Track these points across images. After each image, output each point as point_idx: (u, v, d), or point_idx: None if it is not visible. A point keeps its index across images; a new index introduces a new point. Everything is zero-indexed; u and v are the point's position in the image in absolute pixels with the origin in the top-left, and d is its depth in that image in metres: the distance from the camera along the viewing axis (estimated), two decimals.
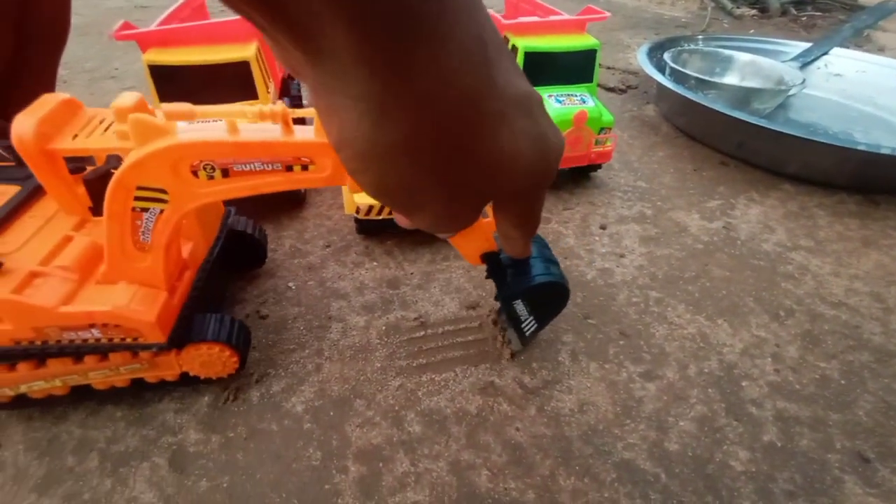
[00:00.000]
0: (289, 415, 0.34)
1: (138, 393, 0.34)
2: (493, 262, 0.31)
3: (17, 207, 0.31)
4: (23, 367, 0.30)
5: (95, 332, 0.29)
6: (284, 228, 0.51)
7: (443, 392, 0.35)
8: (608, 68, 0.96)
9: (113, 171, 0.25)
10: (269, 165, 0.25)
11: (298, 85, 0.63)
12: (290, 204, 0.54)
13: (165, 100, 0.45)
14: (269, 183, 0.25)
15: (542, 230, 0.52)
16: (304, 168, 0.25)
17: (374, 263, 0.47)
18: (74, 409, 0.33)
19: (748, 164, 0.65)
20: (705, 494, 0.30)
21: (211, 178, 0.25)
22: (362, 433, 0.33)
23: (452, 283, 0.45)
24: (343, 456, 0.31)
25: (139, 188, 0.25)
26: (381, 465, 0.31)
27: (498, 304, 0.36)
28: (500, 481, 0.30)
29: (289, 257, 0.47)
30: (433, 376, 0.37)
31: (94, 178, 0.30)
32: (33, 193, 0.33)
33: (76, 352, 0.30)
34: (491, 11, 0.57)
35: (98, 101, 0.78)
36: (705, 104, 0.64)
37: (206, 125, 0.25)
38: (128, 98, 0.26)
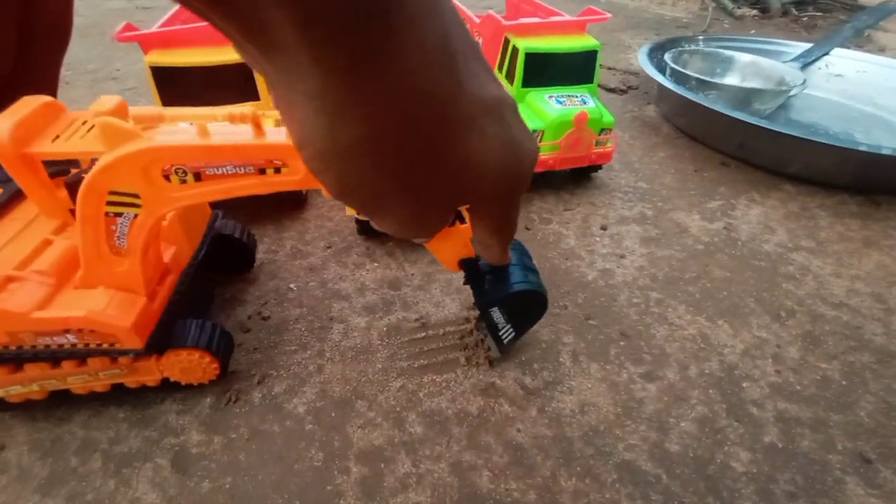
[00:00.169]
0: (290, 416, 0.34)
1: (140, 394, 0.34)
2: (471, 269, 0.31)
3: None
4: None
5: (71, 338, 0.29)
6: (286, 230, 0.51)
7: (444, 393, 0.36)
8: (609, 69, 0.97)
9: None
10: (242, 169, 0.24)
11: None
12: (291, 205, 0.54)
13: (168, 102, 0.46)
14: (243, 186, 0.25)
15: (543, 231, 0.52)
16: (277, 171, 0.24)
17: (375, 264, 0.47)
18: (77, 410, 0.34)
19: (749, 165, 0.65)
20: (706, 495, 0.30)
21: (183, 181, 0.25)
22: (364, 434, 0.33)
23: (453, 284, 0.45)
24: (345, 457, 0.32)
25: (111, 193, 0.25)
26: (382, 465, 0.31)
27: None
28: (502, 482, 0.31)
29: (290, 258, 0.47)
30: (434, 377, 0.37)
31: (76, 181, 0.29)
32: (15, 196, 0.32)
33: (52, 357, 0.30)
34: (490, 12, 0.58)
35: None
36: (706, 105, 0.64)
37: (177, 128, 0.25)
38: (107, 101, 0.26)
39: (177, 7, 0.54)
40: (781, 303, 0.44)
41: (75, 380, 0.32)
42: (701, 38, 0.93)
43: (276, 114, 0.26)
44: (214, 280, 0.43)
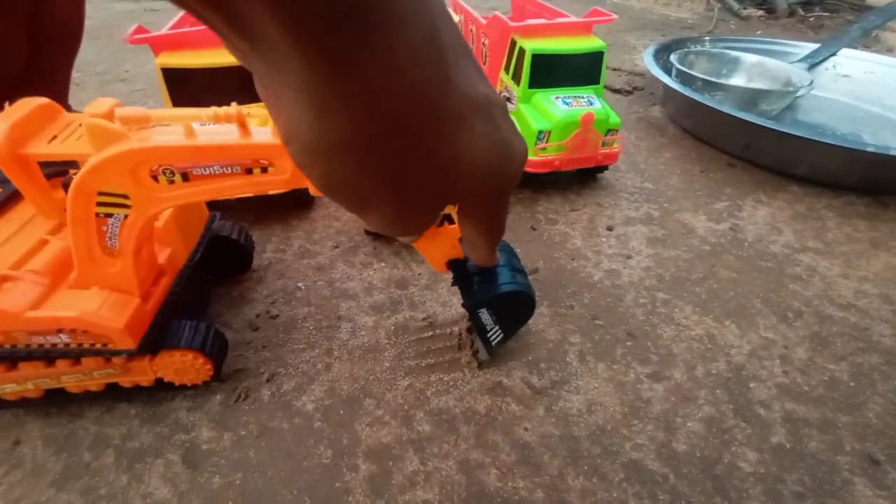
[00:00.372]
0: (299, 413, 0.34)
1: (151, 391, 0.34)
2: (459, 270, 0.31)
3: None
4: None
5: (64, 338, 0.29)
6: (293, 229, 0.51)
7: (451, 392, 0.36)
8: (614, 70, 0.97)
9: None
10: (229, 169, 0.24)
11: None
12: (298, 205, 0.54)
13: (178, 103, 0.46)
14: (231, 186, 0.25)
15: (549, 231, 0.52)
16: (264, 170, 0.25)
17: (383, 264, 0.47)
18: (90, 406, 0.34)
19: (755, 166, 0.65)
20: (714, 495, 0.30)
21: (171, 182, 0.25)
22: (372, 432, 0.33)
23: None
24: (353, 454, 0.32)
25: (101, 193, 0.25)
26: (390, 463, 0.31)
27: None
28: (509, 480, 0.31)
29: (298, 258, 0.48)
30: (442, 376, 0.37)
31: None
32: (13, 196, 0.33)
33: (46, 356, 0.30)
34: (497, 13, 0.58)
35: None
36: (712, 106, 0.63)
37: (164, 129, 0.25)
38: (103, 103, 0.26)
39: None
40: (789, 304, 0.44)
41: (69, 379, 0.32)
42: (707, 38, 0.92)
43: (262, 112, 0.26)
44: (212, 281, 0.43)
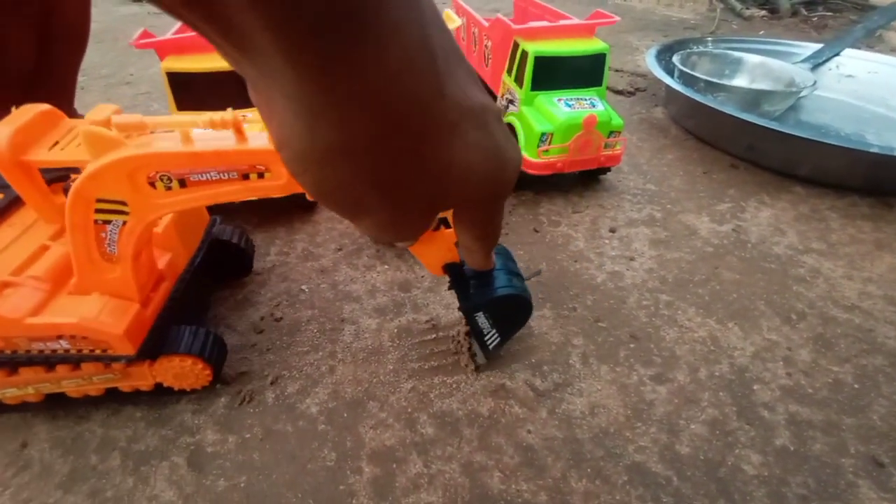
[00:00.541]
0: (303, 416, 0.34)
1: (157, 394, 0.35)
2: (455, 274, 0.31)
3: None
4: None
5: (64, 343, 0.29)
6: (297, 232, 0.52)
7: (455, 394, 0.36)
8: (616, 71, 0.97)
9: None
10: (226, 174, 0.25)
11: None
12: (301, 208, 0.54)
13: (183, 107, 0.46)
14: (228, 192, 0.25)
15: (551, 233, 0.52)
16: (261, 176, 0.25)
17: (386, 267, 0.47)
18: (96, 409, 0.34)
19: (758, 167, 0.65)
20: (717, 498, 0.30)
21: (169, 188, 0.25)
22: (376, 434, 0.33)
23: None
24: (357, 457, 0.32)
25: (99, 200, 0.25)
26: (394, 466, 0.32)
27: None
28: (513, 483, 0.31)
29: (301, 261, 0.48)
30: (445, 379, 0.37)
31: None
32: (14, 202, 0.33)
33: (46, 361, 0.30)
34: (499, 15, 0.58)
35: None
36: (714, 107, 0.63)
37: (161, 135, 0.25)
38: (104, 110, 0.26)
39: None
40: (792, 305, 0.44)
41: (70, 383, 0.32)
42: (709, 39, 0.92)
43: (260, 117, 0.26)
44: (212, 285, 0.43)
